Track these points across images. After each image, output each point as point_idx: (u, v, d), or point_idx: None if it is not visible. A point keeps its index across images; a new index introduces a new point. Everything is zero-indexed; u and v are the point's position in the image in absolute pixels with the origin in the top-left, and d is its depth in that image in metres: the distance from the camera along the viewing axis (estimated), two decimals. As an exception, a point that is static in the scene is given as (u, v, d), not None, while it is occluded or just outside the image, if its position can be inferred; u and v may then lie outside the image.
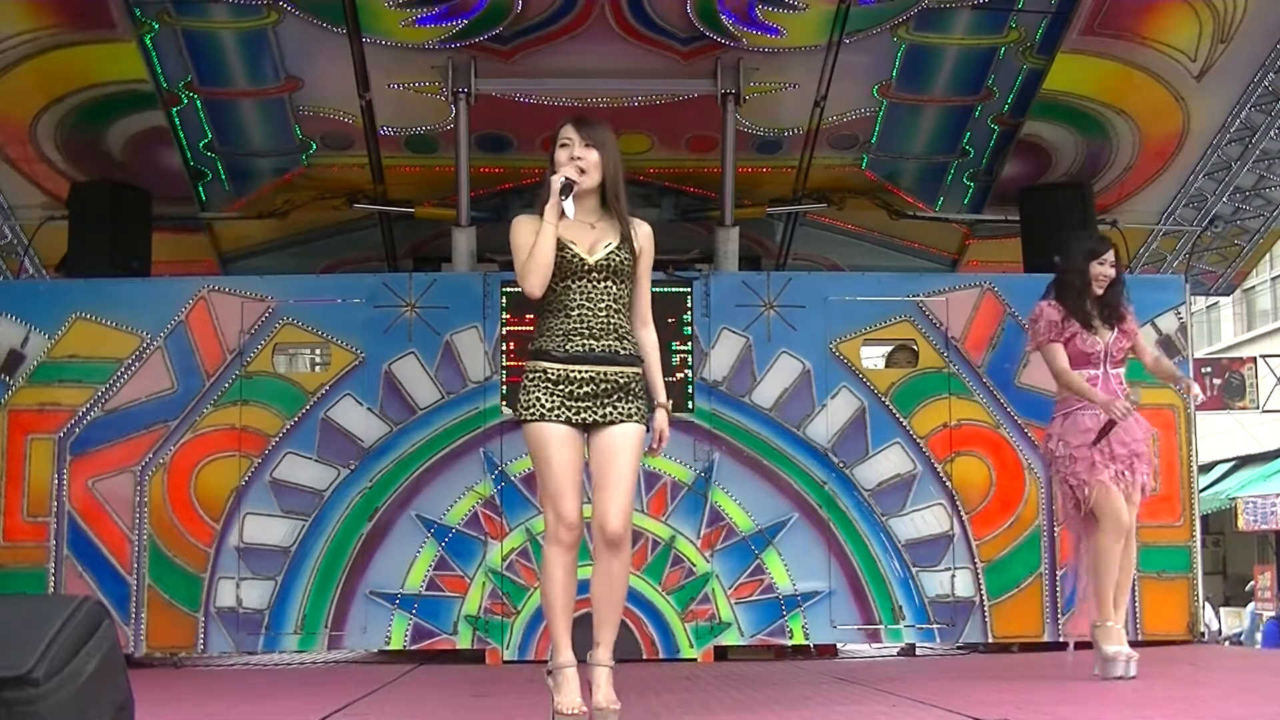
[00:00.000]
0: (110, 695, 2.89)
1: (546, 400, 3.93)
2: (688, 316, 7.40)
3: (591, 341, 3.96)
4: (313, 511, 7.24)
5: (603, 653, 3.92)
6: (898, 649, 8.04)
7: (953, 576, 7.34)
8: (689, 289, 7.46)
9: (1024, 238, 8.42)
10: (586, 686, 3.88)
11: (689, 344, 7.39)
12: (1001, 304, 7.55)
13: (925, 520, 7.38)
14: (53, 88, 7.34)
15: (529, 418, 3.95)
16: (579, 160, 3.99)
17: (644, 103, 7.57)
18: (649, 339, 4.12)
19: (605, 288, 4.00)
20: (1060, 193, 8.29)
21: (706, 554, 7.27)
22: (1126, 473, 5.31)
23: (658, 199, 8.68)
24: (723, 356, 7.42)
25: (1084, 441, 5.33)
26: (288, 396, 7.37)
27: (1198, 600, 7.51)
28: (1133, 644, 5.39)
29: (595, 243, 4.01)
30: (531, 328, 7.14)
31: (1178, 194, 8.59)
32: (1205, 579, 8.02)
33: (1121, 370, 5.50)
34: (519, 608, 7.17)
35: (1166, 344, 7.46)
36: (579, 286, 3.98)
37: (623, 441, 3.95)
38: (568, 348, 3.96)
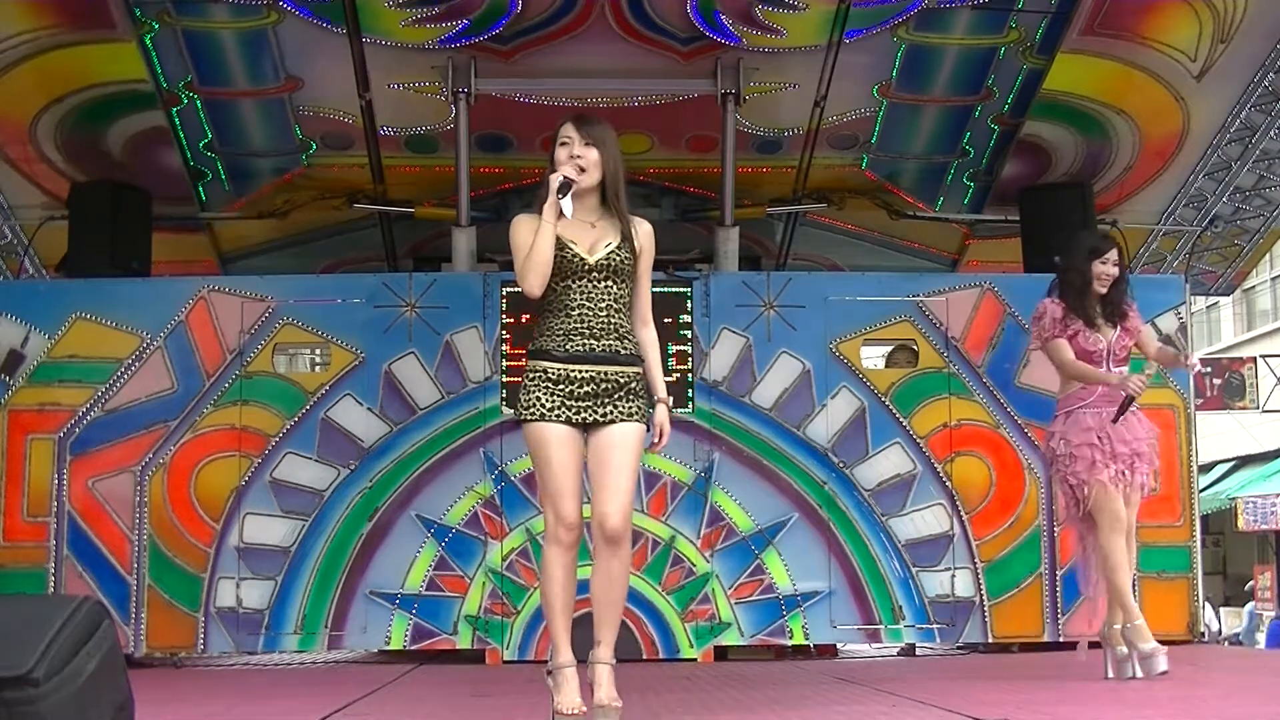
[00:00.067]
0: (110, 695, 2.89)
1: (547, 400, 3.93)
2: (688, 316, 7.40)
3: (592, 341, 3.96)
4: (313, 511, 7.24)
5: (604, 651, 3.91)
6: (898, 649, 8.04)
7: (953, 576, 7.35)
8: (689, 289, 7.46)
9: (1024, 238, 8.42)
10: (587, 686, 3.88)
11: (689, 344, 7.39)
12: (1001, 304, 7.55)
13: (925, 520, 7.39)
14: (53, 88, 7.34)
15: (529, 418, 3.95)
16: (578, 159, 3.98)
17: (644, 103, 7.57)
18: (649, 337, 4.11)
19: (606, 287, 3.99)
20: (1060, 193, 8.29)
21: (706, 554, 7.27)
22: (1126, 472, 5.30)
23: (658, 199, 8.69)
24: (723, 356, 7.42)
25: (1085, 441, 5.32)
26: (288, 396, 7.37)
27: (1198, 600, 7.51)
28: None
29: (596, 242, 4.00)
30: (529, 327, 7.20)
31: (1178, 194, 8.59)
32: (1205, 579, 8.02)
33: (1124, 369, 5.49)
34: (519, 608, 7.17)
35: (1166, 344, 7.44)
36: (579, 286, 3.98)
37: (622, 439, 3.94)
38: (568, 347, 3.95)
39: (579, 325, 3.96)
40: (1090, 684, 5.19)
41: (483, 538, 7.24)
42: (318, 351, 8.96)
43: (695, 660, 7.13)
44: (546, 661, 3.98)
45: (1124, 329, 5.45)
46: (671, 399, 4.17)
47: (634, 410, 3.96)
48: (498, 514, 7.25)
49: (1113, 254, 5.47)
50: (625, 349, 3.99)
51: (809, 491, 7.36)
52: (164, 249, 8.28)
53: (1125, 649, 5.24)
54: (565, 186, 3.93)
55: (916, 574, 7.34)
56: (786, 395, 7.42)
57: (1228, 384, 17.04)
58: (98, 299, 7.37)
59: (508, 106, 7.54)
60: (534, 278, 3.93)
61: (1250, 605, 15.88)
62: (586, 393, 3.93)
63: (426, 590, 7.20)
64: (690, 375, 7.36)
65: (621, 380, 3.96)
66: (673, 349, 7.30)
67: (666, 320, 7.09)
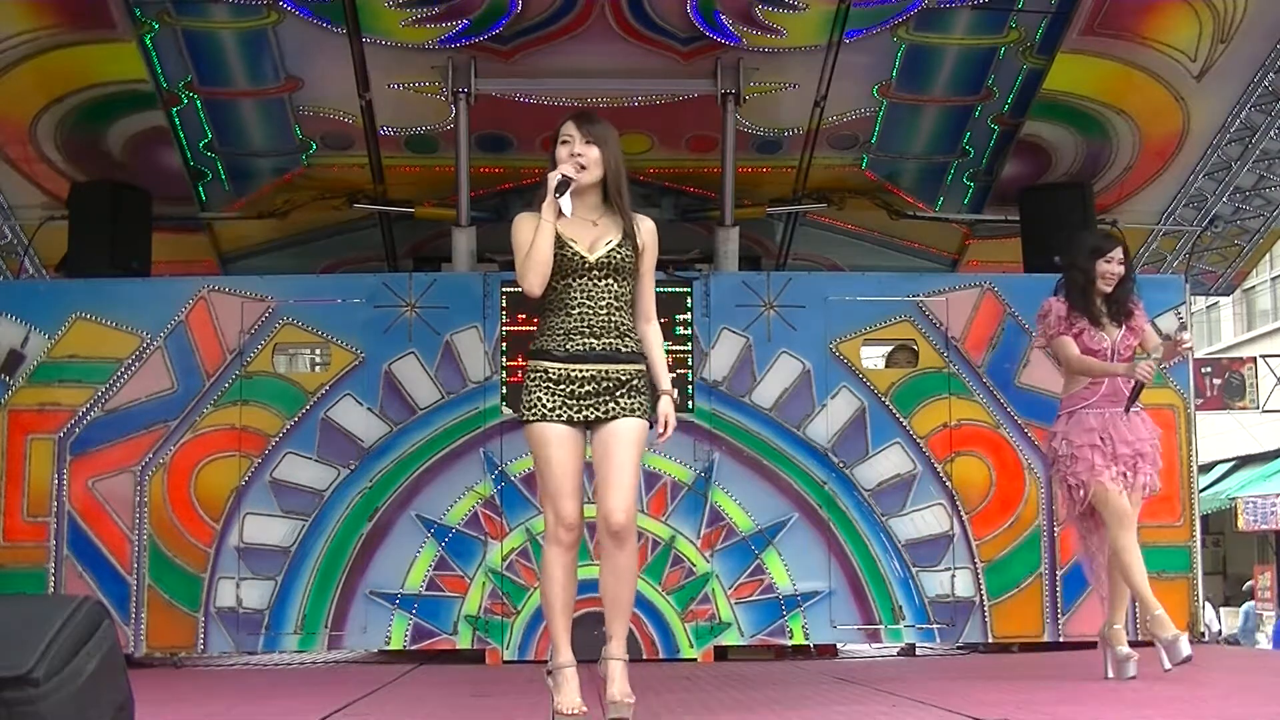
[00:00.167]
0: (110, 695, 2.89)
1: (548, 400, 3.93)
2: (688, 316, 7.40)
3: (592, 340, 3.95)
4: (313, 511, 7.24)
5: (615, 646, 3.91)
6: (898, 649, 8.04)
7: (953, 576, 7.35)
8: (689, 289, 7.46)
9: (1024, 238, 8.42)
10: (588, 686, 3.88)
11: (689, 344, 7.39)
12: (1001, 304, 7.55)
13: (925, 520, 7.39)
14: (53, 88, 7.34)
15: (530, 418, 3.95)
16: (579, 157, 3.98)
17: (644, 103, 7.57)
18: (652, 332, 4.10)
19: (606, 285, 3.99)
20: (1060, 193, 8.29)
21: (706, 554, 7.27)
22: (1128, 473, 5.29)
23: (658, 199, 8.68)
24: (723, 356, 7.42)
25: (1087, 441, 5.32)
26: (288, 396, 7.37)
27: (1198, 600, 7.51)
28: (1132, 644, 5.39)
29: (597, 240, 4.00)
30: (531, 327, 7.20)
31: (1178, 194, 8.58)
32: (1205, 579, 8.01)
33: None
34: (519, 608, 7.17)
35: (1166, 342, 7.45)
36: (580, 285, 3.98)
37: (625, 435, 3.93)
38: (568, 346, 3.95)
39: (579, 324, 3.96)
40: (1090, 684, 5.19)
41: (483, 538, 7.24)
42: (318, 351, 8.97)
43: (695, 660, 7.13)
44: (546, 661, 3.98)
45: (1129, 329, 5.43)
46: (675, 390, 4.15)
47: (636, 406, 3.95)
48: (498, 514, 7.26)
49: (1117, 252, 5.44)
50: (626, 346, 3.99)
51: (809, 491, 7.36)
52: (164, 249, 8.28)
53: (1126, 649, 5.24)
54: (563, 185, 3.93)
55: (916, 574, 7.34)
56: (786, 395, 7.42)
57: (1228, 384, 17.04)
58: (98, 299, 7.37)
59: (508, 106, 7.54)
60: (533, 276, 3.93)
61: (1247, 605, 15.88)
62: (588, 391, 3.93)
63: (426, 590, 7.20)
64: (690, 375, 7.36)
65: (623, 378, 3.96)
66: (671, 348, 7.30)
67: (666, 320, 7.08)
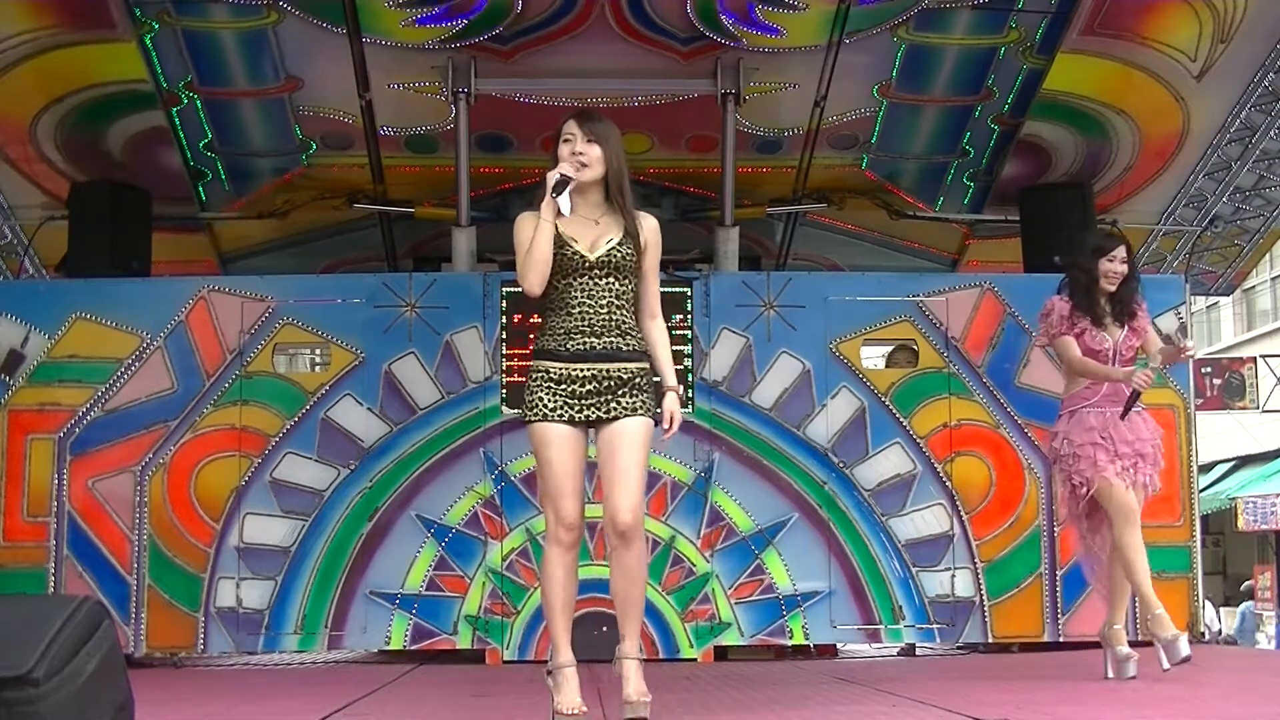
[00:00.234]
0: (110, 695, 2.89)
1: (549, 400, 3.93)
2: (688, 317, 7.40)
3: (593, 339, 3.95)
4: (313, 511, 7.24)
5: (629, 646, 3.92)
6: (898, 649, 8.04)
7: (953, 576, 7.35)
8: (689, 289, 7.46)
9: (1024, 238, 8.42)
10: (588, 685, 3.88)
11: (689, 344, 7.39)
12: (1001, 304, 7.55)
13: (925, 520, 7.38)
14: (53, 88, 7.34)
15: (532, 418, 3.95)
16: (580, 155, 3.98)
17: (644, 103, 7.57)
18: (658, 330, 4.10)
19: (607, 284, 3.98)
20: (1060, 193, 8.29)
21: (706, 554, 7.27)
22: (1130, 470, 5.29)
23: (658, 199, 8.68)
24: (723, 356, 7.42)
25: (1089, 440, 5.32)
26: (288, 396, 7.37)
27: (1198, 600, 7.51)
28: (1132, 644, 5.39)
29: (598, 239, 4.00)
30: (531, 327, 7.20)
31: (1178, 194, 8.58)
32: (1205, 579, 8.02)
33: (1130, 369, 5.46)
34: (519, 608, 7.17)
35: (1167, 344, 7.45)
36: (580, 284, 3.98)
37: (630, 435, 3.93)
38: (569, 346, 3.95)
39: (580, 323, 3.96)
40: (1090, 684, 5.19)
41: (483, 538, 7.24)
42: (318, 351, 8.97)
43: (695, 660, 7.13)
44: (546, 661, 3.99)
45: (1132, 329, 5.41)
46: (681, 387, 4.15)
47: (639, 405, 3.95)
48: (498, 514, 7.26)
49: (1119, 251, 5.41)
50: (628, 345, 3.99)
51: (809, 491, 7.36)
52: (164, 249, 8.28)
53: (1126, 649, 5.24)
54: (561, 184, 3.93)
55: (916, 574, 7.34)
56: (786, 395, 7.42)
57: (1228, 384, 17.04)
58: (98, 299, 7.37)
59: (508, 106, 7.54)
60: (533, 276, 3.93)
61: (1244, 605, 15.86)
62: (589, 391, 3.93)
63: (426, 590, 7.20)
64: (690, 375, 7.36)
65: (625, 377, 3.96)
66: (672, 348, 7.28)
67: (665, 320, 7.05)
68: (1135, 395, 5.23)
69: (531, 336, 7.18)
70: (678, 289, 7.41)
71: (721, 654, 7.32)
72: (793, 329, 7.46)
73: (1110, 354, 5.36)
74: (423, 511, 7.25)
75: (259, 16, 6.95)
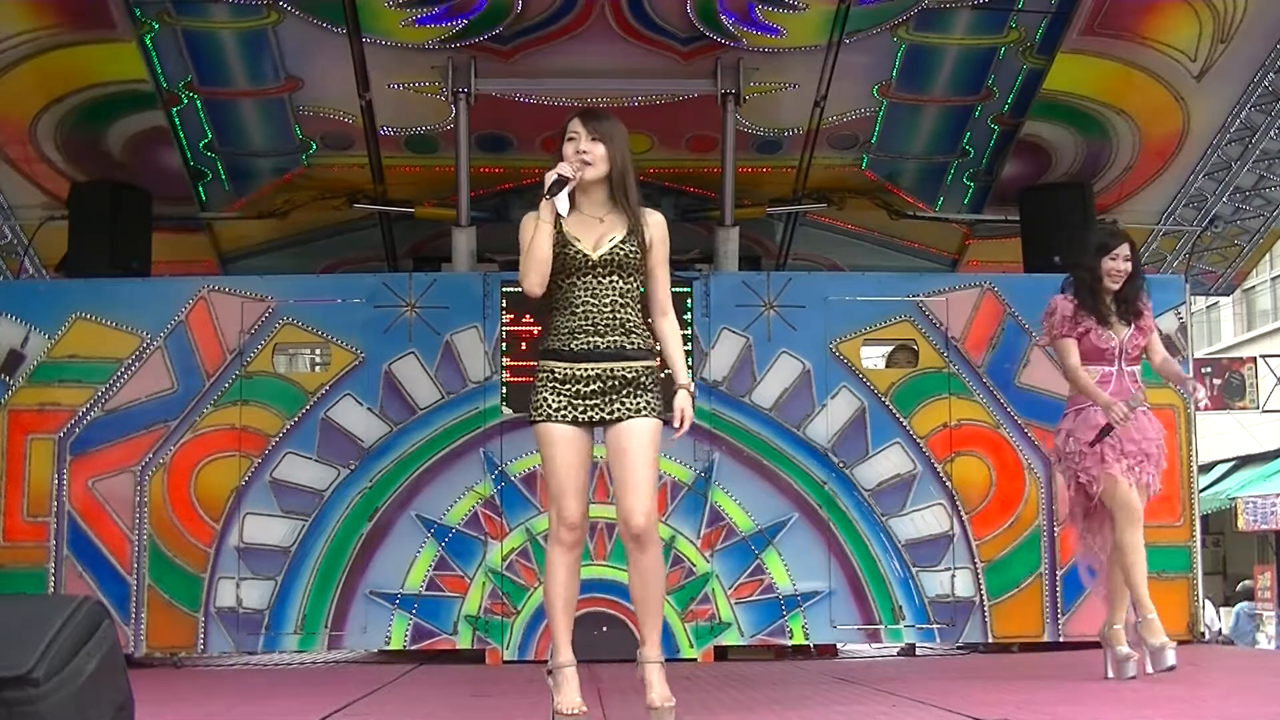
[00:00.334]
0: (110, 695, 2.90)
1: (553, 400, 3.93)
2: (688, 316, 7.40)
3: (597, 338, 3.95)
4: (313, 511, 7.24)
5: (651, 650, 3.91)
6: (898, 649, 8.04)
7: (953, 576, 7.35)
8: (689, 289, 7.46)
9: (1024, 238, 8.42)
10: (588, 685, 3.88)
11: (689, 344, 7.39)
12: (1001, 304, 7.55)
13: (925, 520, 7.38)
14: (53, 88, 7.34)
15: (536, 418, 3.95)
16: (584, 153, 3.97)
17: (644, 103, 7.57)
18: (669, 327, 4.08)
19: (611, 282, 3.98)
20: (1060, 193, 8.29)
21: (706, 554, 7.27)
22: (1135, 470, 5.28)
23: (658, 199, 8.66)
24: (723, 356, 7.42)
25: (1096, 437, 5.30)
26: (288, 396, 7.37)
27: (1198, 600, 7.51)
28: (1132, 644, 5.38)
29: (601, 237, 3.99)
30: (531, 327, 7.21)
31: (1178, 194, 8.58)
32: (1205, 579, 8.01)
33: (1136, 368, 5.42)
34: (519, 608, 7.16)
35: (1166, 344, 7.43)
36: (584, 283, 3.97)
37: (638, 437, 3.92)
38: (573, 346, 3.95)
39: (584, 322, 3.95)
40: (1090, 684, 5.19)
41: (483, 538, 7.24)
42: (318, 351, 8.96)
43: (695, 660, 7.13)
44: (546, 661, 3.98)
45: (1138, 328, 5.38)
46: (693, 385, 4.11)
47: (644, 405, 3.94)
48: (498, 514, 7.26)
49: (1123, 249, 5.37)
50: (632, 344, 3.98)
51: (809, 491, 7.36)
52: (164, 249, 8.28)
53: (1126, 649, 5.23)
54: (557, 185, 3.92)
55: (916, 574, 7.34)
56: (786, 395, 7.42)
57: (1228, 384, 17.02)
58: (98, 299, 7.37)
59: (508, 106, 7.54)
60: (532, 277, 3.94)
61: (1239, 606, 15.82)
62: (593, 390, 3.92)
63: (426, 590, 7.20)
64: (691, 375, 7.34)
65: (629, 376, 3.95)
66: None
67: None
68: (1107, 429, 5.23)
69: (524, 337, 7.25)
70: (678, 289, 7.36)
71: (721, 654, 7.32)
72: (793, 329, 7.46)
73: (1116, 353, 5.34)
74: (423, 511, 7.25)
75: (259, 16, 6.95)
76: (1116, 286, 5.37)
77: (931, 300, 7.56)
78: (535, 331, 7.17)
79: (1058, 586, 7.33)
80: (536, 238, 3.91)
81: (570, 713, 3.79)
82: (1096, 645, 5.52)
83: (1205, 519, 14.18)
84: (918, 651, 8.02)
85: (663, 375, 4.05)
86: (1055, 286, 5.58)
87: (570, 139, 4.00)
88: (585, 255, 3.96)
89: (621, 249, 3.98)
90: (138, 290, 7.54)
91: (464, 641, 7.19)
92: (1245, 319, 21.73)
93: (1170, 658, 5.01)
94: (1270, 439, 18.14)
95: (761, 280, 7.65)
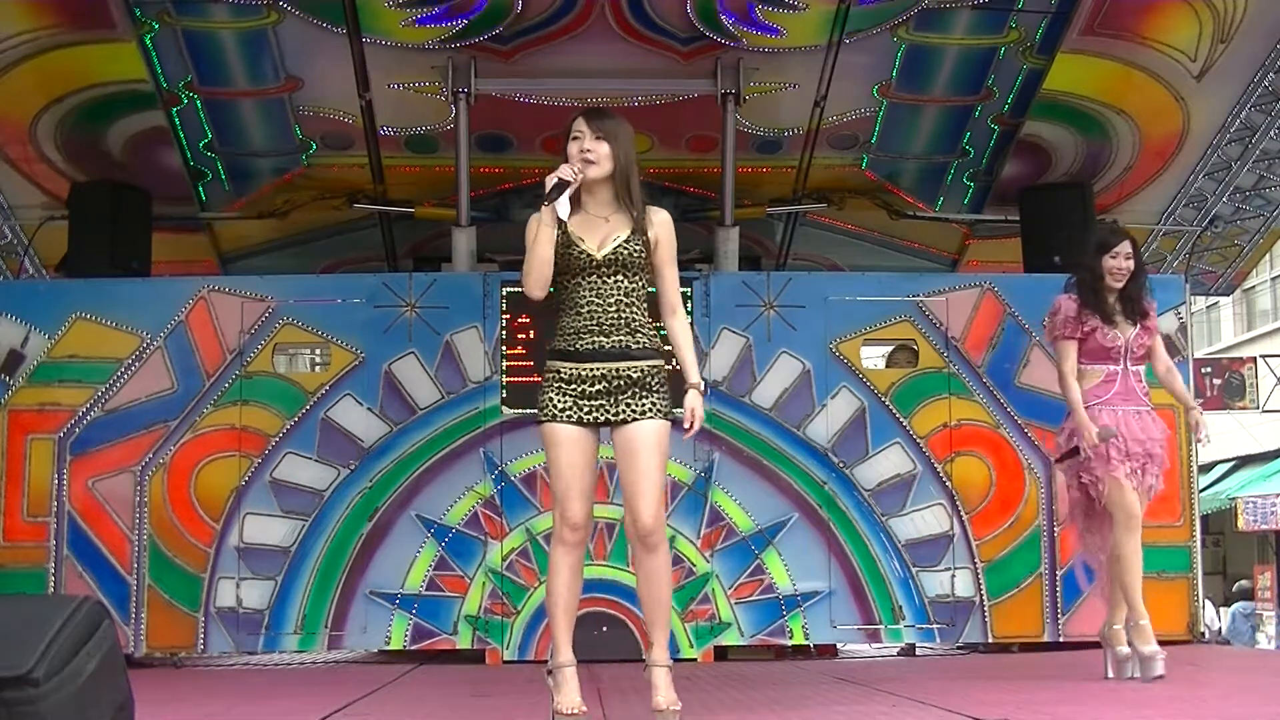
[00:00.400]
0: (110, 695, 2.89)
1: (559, 400, 3.93)
2: (688, 317, 7.38)
3: (602, 338, 3.94)
4: (313, 511, 7.24)
5: (658, 653, 3.93)
6: (898, 649, 8.04)
7: (953, 576, 7.34)
8: (689, 289, 7.45)
9: (1024, 238, 8.41)
10: (588, 685, 3.88)
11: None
12: (1001, 304, 7.55)
13: (925, 520, 7.38)
14: (53, 88, 7.34)
15: (542, 419, 3.96)
16: (588, 153, 3.97)
17: (644, 103, 7.56)
18: (679, 325, 4.07)
19: (615, 282, 3.97)
20: (1060, 193, 8.29)
21: (706, 554, 7.27)
22: (1139, 471, 5.27)
23: (658, 199, 8.63)
24: (723, 356, 7.42)
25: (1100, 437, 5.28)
26: (288, 396, 7.37)
27: (1198, 600, 7.51)
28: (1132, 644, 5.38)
29: (606, 237, 3.99)
30: (529, 327, 7.21)
31: (1178, 194, 8.58)
32: (1205, 579, 8.01)
33: (1141, 368, 5.39)
34: (519, 608, 7.16)
35: (1167, 344, 7.44)
36: (589, 283, 3.97)
37: (646, 439, 3.92)
38: (579, 346, 3.95)
39: (589, 322, 3.95)
40: (1090, 684, 5.20)
41: (483, 538, 7.24)
42: (318, 351, 8.96)
43: (695, 660, 7.13)
44: (547, 661, 3.98)
45: (1144, 327, 5.35)
46: (671, 406, 4.03)
47: (649, 406, 3.93)
48: (498, 514, 7.25)
49: (1124, 247, 5.34)
50: (638, 343, 3.97)
51: (809, 491, 7.36)
52: (164, 249, 8.28)
53: (1126, 649, 5.22)
54: (556, 189, 3.92)
55: (916, 574, 7.34)
56: (786, 395, 7.42)
57: (1228, 384, 17.02)
58: (98, 299, 7.37)
59: (508, 106, 7.54)
60: (533, 278, 3.94)
61: (1235, 606, 15.81)
62: (598, 391, 3.92)
63: (426, 590, 7.20)
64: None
65: (634, 376, 3.94)
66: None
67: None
68: (1074, 450, 5.23)
69: (522, 337, 7.24)
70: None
71: (721, 654, 7.32)
72: (793, 329, 7.45)
73: (1121, 352, 5.32)
74: (423, 511, 7.25)
75: (259, 16, 6.95)
76: (1119, 285, 5.34)
77: (931, 300, 7.56)
78: (534, 332, 7.18)
79: (1058, 586, 7.33)
80: (538, 241, 3.91)
81: (570, 713, 3.80)
82: (1096, 645, 5.53)
83: (1205, 519, 14.18)
84: (918, 651, 8.02)
85: (669, 371, 4.04)
86: (1055, 286, 5.57)
87: (575, 138, 4.00)
88: (590, 255, 3.96)
89: (626, 248, 3.98)
90: (138, 290, 7.54)
91: (464, 641, 7.19)
92: (1245, 319, 21.73)
93: (1159, 667, 5.01)
94: (1270, 439, 18.14)
95: (761, 280, 7.65)
